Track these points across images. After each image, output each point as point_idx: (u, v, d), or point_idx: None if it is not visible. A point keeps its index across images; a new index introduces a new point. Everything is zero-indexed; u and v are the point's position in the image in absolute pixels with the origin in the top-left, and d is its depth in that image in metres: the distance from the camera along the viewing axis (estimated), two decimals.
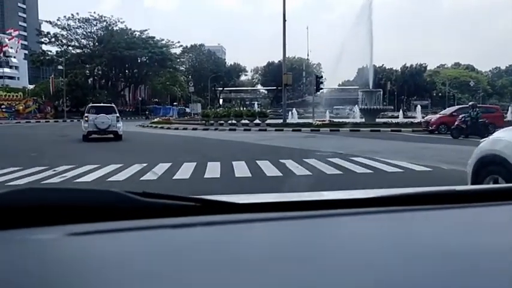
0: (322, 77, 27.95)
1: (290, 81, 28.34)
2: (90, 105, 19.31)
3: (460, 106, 22.80)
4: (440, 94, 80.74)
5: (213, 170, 8.04)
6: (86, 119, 16.90)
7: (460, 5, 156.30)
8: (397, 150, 11.70)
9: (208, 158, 9.90)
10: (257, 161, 9.07)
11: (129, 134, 22.32)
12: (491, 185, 1.23)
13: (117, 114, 17.30)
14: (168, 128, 27.38)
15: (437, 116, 21.97)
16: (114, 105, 18.92)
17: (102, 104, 21.65)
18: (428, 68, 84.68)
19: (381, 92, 34.78)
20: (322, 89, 31.11)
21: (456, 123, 17.18)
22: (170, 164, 8.80)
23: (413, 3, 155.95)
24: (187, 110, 58.34)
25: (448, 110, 22.05)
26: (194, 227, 0.71)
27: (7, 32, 77.52)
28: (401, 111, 43.04)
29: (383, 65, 77.34)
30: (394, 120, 28.86)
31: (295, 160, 9.06)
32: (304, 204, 0.85)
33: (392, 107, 43.49)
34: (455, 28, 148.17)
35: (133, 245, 0.66)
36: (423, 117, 25.28)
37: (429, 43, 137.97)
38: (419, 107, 35.83)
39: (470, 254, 0.65)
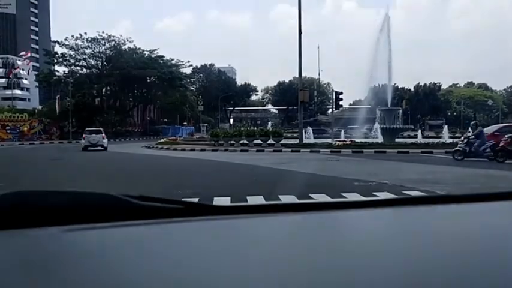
0: (342, 93, 25.93)
1: (307, 98, 26.46)
2: (86, 129, 28.37)
3: (505, 124, 20.65)
4: (455, 113, 78.51)
5: None
6: (83, 137, 26.53)
7: (471, 25, 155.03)
8: (454, 180, 9.45)
9: (215, 189, 7.88)
10: (280, 196, 7.02)
11: (127, 157, 20.65)
12: (491, 191, 1.08)
13: (103, 134, 27.06)
14: (175, 149, 25.58)
15: None
16: (101, 129, 29.01)
17: (93, 128, 29.56)
18: (441, 88, 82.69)
19: (400, 111, 33.03)
20: (341, 106, 29.16)
21: (502, 144, 14.65)
22: None
23: (423, 23, 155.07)
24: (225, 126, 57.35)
25: (491, 129, 19.58)
26: (179, 223, 0.78)
27: (20, 54, 77.74)
28: (419, 131, 41.01)
29: (395, 84, 75.43)
30: (422, 141, 26.61)
31: (330, 194, 6.93)
32: (293, 207, 0.89)
33: (413, 126, 41.45)
34: (467, 47, 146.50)
35: (124, 240, 0.72)
36: (456, 137, 22.98)
37: (440, 62, 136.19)
38: (446, 127, 33.63)
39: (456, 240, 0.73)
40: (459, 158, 14.89)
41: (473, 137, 15.16)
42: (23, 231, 0.70)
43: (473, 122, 17.72)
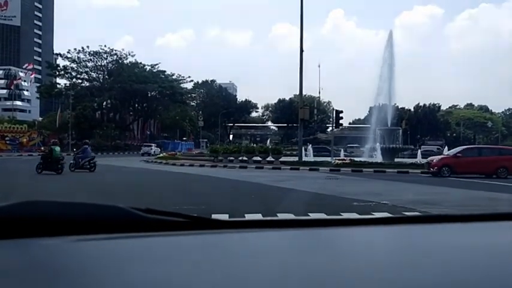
0: (342, 111, 25.92)
1: (307, 116, 26.44)
2: (143, 144, 47.53)
3: (466, 147, 21.32)
4: (454, 134, 78.59)
5: None
6: (142, 149, 44.68)
7: (471, 46, 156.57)
8: (459, 201, 9.27)
9: (212, 206, 7.77)
10: (278, 215, 6.86)
11: (120, 171, 20.50)
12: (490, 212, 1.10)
13: (152, 147, 44.92)
14: (174, 164, 25.46)
15: (440, 157, 19.73)
16: (152, 144, 47.21)
17: (147, 143, 47.45)
18: (441, 108, 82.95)
19: (400, 130, 33.09)
20: (342, 124, 29.20)
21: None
22: None
23: (422, 43, 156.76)
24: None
25: (453, 151, 19.85)
26: (183, 236, 0.82)
27: (23, 67, 78.21)
28: (419, 151, 40.92)
29: (395, 104, 75.58)
30: (423, 160, 26.54)
31: (329, 214, 6.76)
32: (292, 223, 0.92)
33: (413, 146, 41.46)
34: (466, 69, 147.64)
35: (131, 251, 0.74)
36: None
37: (440, 84, 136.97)
38: (446, 147, 33.55)
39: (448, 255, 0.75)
40: (72, 169, 17.35)
41: (79, 153, 18.17)
42: (32, 240, 0.71)
43: (84, 141, 22.03)
